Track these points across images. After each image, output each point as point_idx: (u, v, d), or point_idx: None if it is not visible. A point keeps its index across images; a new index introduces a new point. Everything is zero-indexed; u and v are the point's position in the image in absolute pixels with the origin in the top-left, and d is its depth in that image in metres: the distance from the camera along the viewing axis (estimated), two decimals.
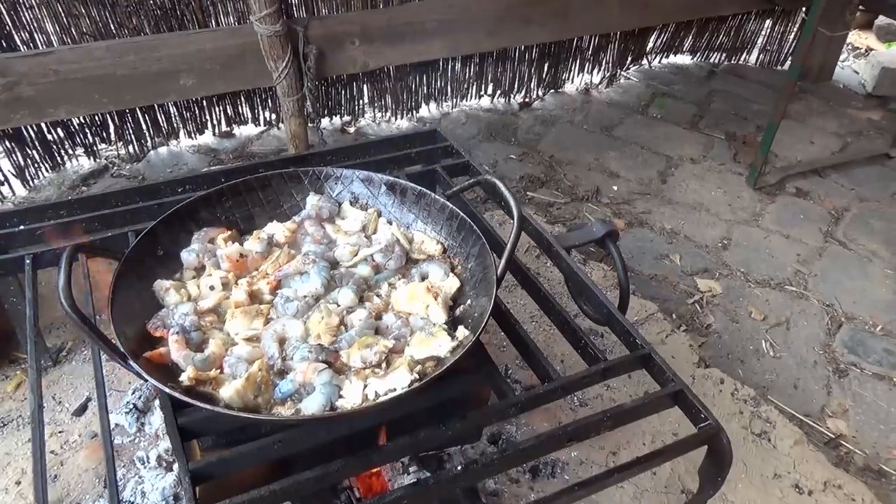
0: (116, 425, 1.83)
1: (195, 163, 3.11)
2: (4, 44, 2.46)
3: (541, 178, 3.17)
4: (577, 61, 3.78)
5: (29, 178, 2.85)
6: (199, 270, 1.46)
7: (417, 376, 1.19)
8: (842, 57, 4.29)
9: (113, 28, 2.60)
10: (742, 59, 4.30)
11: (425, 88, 3.42)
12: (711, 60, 4.27)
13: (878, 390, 2.25)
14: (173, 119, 3.03)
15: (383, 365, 1.23)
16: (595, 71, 3.90)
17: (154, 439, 1.81)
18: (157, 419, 1.83)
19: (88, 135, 2.90)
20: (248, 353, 1.25)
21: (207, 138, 3.22)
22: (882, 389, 2.25)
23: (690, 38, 4.08)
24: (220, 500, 1.06)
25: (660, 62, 4.20)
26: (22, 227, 1.66)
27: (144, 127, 2.97)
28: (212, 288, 1.39)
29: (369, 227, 1.59)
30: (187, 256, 1.45)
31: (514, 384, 2.01)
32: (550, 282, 2.42)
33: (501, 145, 3.40)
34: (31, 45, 2.52)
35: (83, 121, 2.84)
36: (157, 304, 1.37)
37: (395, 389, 1.17)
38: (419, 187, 1.60)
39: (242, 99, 3.08)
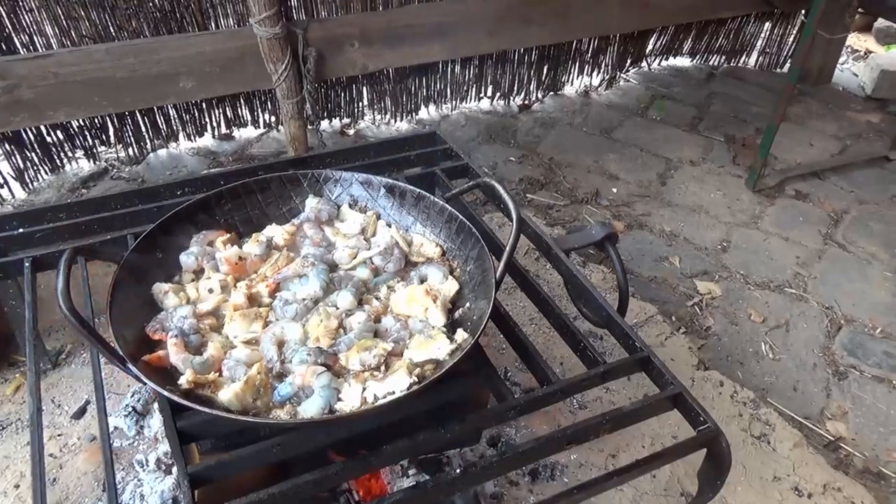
0: (115, 428, 1.83)
1: (194, 165, 3.11)
2: (4, 46, 2.47)
3: (540, 180, 3.17)
4: (577, 63, 3.79)
5: (28, 180, 2.85)
6: (198, 273, 1.46)
7: (416, 379, 1.19)
8: (841, 59, 4.30)
9: (112, 31, 2.60)
10: (741, 61, 4.31)
11: (424, 91, 3.43)
12: (711, 63, 4.27)
13: (877, 393, 2.25)
14: (173, 121, 3.03)
15: (382, 368, 1.23)
16: (594, 73, 3.90)
17: (153, 442, 1.81)
18: (155, 422, 1.83)
19: (88, 137, 2.90)
20: (246, 356, 1.26)
21: (207, 141, 3.23)
22: (881, 392, 2.25)
23: (690, 40, 4.08)
24: None
25: (659, 64, 4.20)
26: (21, 230, 1.67)
27: (144, 129, 2.97)
28: (210, 291, 1.39)
29: (368, 229, 1.59)
30: (186, 259, 1.45)
31: (514, 387, 2.01)
32: (550, 284, 2.42)
33: (501, 147, 3.40)
34: (31, 47, 2.52)
35: (83, 123, 2.84)
36: (155, 307, 1.37)
37: (393, 392, 1.17)
38: (418, 190, 1.60)
39: (242, 101, 3.08)
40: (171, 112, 2.99)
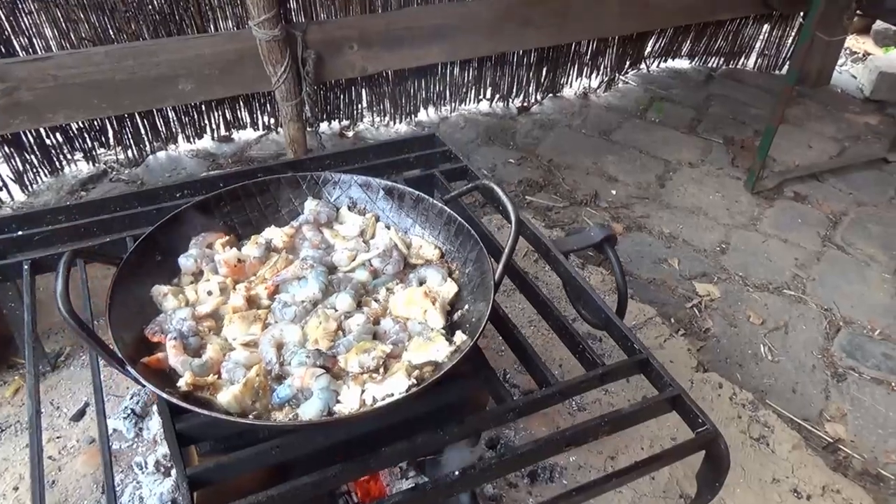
0: (114, 430, 1.83)
1: (194, 167, 3.11)
2: (3, 49, 2.47)
3: (539, 182, 3.17)
4: (576, 66, 3.79)
5: (28, 183, 2.85)
6: (197, 275, 1.46)
7: (415, 381, 1.19)
8: (839, 61, 4.31)
9: (112, 33, 2.60)
10: (740, 63, 4.31)
11: (424, 93, 3.43)
12: (709, 65, 4.28)
13: (876, 394, 2.25)
14: (172, 124, 3.03)
15: (381, 370, 1.23)
16: (593, 75, 3.91)
17: (152, 444, 1.80)
18: (154, 424, 1.83)
19: (87, 140, 2.90)
20: (245, 358, 1.25)
21: (206, 143, 3.23)
22: (880, 393, 2.25)
23: (689, 42, 4.09)
24: None
25: (658, 66, 4.21)
26: (20, 233, 1.67)
27: (143, 132, 2.97)
28: (210, 293, 1.39)
29: (367, 231, 1.59)
30: (185, 261, 1.45)
31: (512, 389, 2.01)
32: (548, 286, 2.42)
33: (500, 150, 3.40)
34: (30, 50, 2.52)
35: (82, 126, 2.84)
36: (154, 310, 1.37)
37: (392, 394, 1.17)
38: (417, 192, 1.60)
39: (241, 103, 3.08)
40: (171, 114, 2.99)
